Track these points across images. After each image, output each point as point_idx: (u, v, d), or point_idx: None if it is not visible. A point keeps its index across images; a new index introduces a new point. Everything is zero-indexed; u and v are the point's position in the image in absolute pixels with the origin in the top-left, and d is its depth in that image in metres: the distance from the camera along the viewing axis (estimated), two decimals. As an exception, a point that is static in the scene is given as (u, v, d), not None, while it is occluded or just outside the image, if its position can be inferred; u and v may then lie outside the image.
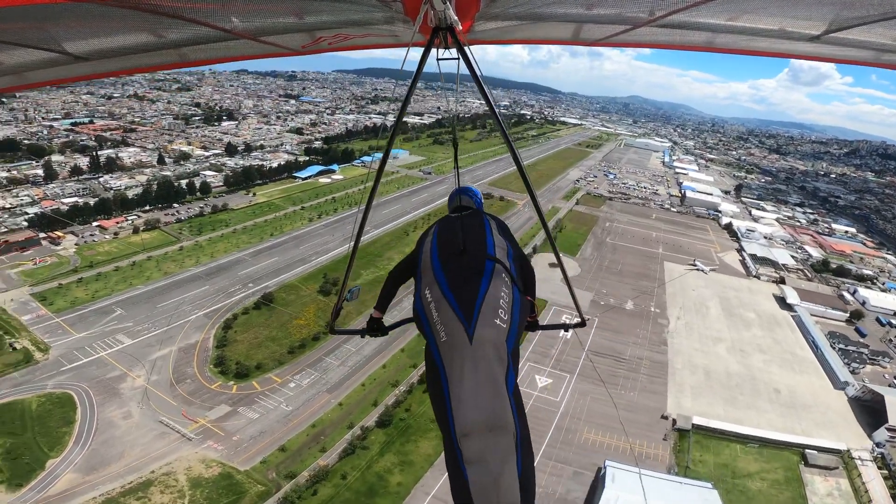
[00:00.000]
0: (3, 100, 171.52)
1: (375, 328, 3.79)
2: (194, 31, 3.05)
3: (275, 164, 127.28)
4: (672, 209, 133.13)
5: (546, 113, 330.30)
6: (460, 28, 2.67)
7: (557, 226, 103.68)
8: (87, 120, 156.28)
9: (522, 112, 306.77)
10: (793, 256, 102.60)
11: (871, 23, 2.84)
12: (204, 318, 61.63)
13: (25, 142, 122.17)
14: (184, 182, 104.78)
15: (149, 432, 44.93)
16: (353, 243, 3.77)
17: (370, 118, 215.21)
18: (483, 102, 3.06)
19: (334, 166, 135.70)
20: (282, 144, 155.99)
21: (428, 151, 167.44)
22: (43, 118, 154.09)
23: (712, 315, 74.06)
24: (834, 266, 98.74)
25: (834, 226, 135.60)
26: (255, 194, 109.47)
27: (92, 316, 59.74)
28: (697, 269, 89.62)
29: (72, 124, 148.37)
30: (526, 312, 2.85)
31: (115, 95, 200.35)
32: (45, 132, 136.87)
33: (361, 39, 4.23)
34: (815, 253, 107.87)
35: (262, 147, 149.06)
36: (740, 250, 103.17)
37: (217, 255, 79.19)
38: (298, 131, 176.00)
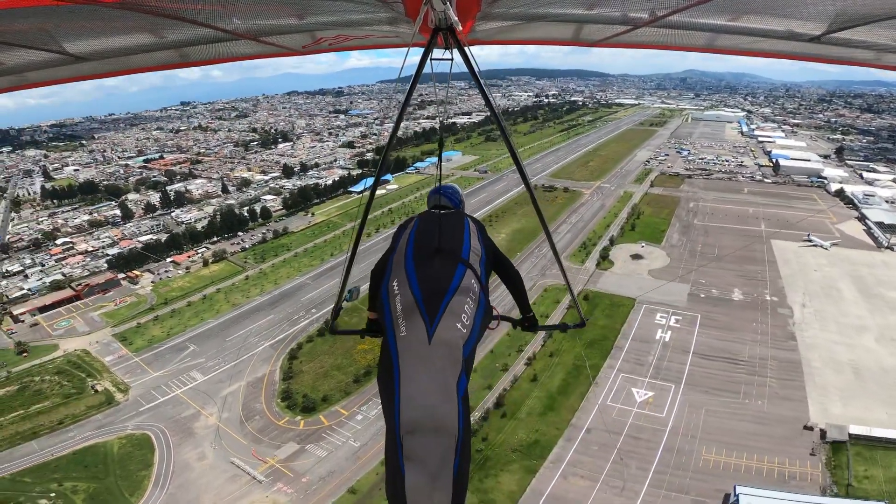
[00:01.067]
0: (84, 142, 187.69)
1: (375, 328, 3.76)
2: (195, 31, 3.01)
3: (330, 181, 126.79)
4: (766, 180, 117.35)
5: (598, 97, 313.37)
6: (460, 28, 2.61)
7: (634, 212, 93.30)
8: (157, 155, 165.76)
9: (573, 99, 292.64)
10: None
11: (871, 23, 2.84)
12: (270, 349, 60.32)
13: (104, 183, 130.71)
14: (246, 209, 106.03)
15: (221, 474, 42.81)
16: (352, 244, 3.71)
17: (419, 124, 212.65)
18: (483, 104, 3.28)
19: (388, 176, 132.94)
20: (335, 160, 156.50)
21: (481, 150, 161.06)
22: (119, 157, 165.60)
23: (847, 299, 61.36)
24: None
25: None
26: (313, 214, 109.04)
27: (168, 353, 60.16)
28: (815, 245, 76.08)
29: (144, 161, 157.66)
30: (487, 322, 2.84)
31: (181, 129, 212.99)
32: (122, 171, 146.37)
33: (362, 40, 4.24)
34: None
35: (316, 165, 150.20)
36: (862, 218, 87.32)
37: (280, 282, 78.12)
38: (350, 145, 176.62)
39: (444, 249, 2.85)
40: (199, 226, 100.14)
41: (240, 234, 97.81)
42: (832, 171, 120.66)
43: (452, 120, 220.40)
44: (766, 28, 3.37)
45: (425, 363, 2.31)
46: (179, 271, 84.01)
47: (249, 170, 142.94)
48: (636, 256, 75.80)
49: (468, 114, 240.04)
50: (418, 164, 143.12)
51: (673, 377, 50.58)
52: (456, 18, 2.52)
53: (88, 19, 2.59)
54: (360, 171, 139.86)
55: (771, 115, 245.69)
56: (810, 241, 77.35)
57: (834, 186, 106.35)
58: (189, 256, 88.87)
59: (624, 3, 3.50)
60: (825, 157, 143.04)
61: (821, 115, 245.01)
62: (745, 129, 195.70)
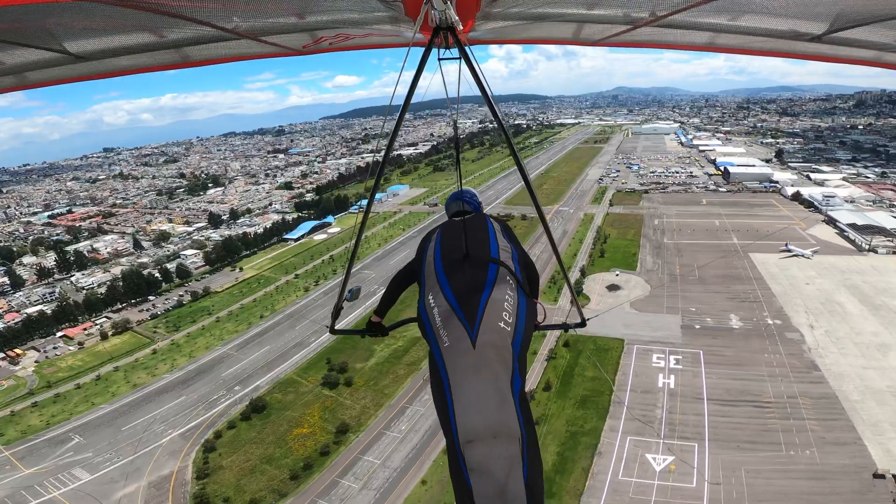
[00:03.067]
0: None
1: (376, 329, 3.73)
2: (195, 30, 2.98)
3: (262, 229, 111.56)
4: (720, 189, 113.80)
5: (541, 118, 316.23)
6: (461, 28, 2.59)
7: (599, 236, 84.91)
8: (65, 209, 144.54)
9: (517, 122, 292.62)
10: (894, 217, 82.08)
11: (872, 23, 2.81)
12: (180, 439, 48.31)
13: None
14: (160, 269, 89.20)
15: None
16: (353, 241, 3.58)
17: (362, 158, 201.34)
18: (485, 109, 3.48)
19: (329, 218, 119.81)
20: (270, 204, 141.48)
21: (429, 181, 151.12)
22: (22, 213, 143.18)
23: (853, 314, 53.96)
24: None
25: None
26: (241, 269, 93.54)
27: (45, 447, 49.59)
28: (796, 255, 69.77)
29: (49, 217, 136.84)
30: (533, 316, 2.67)
31: (100, 178, 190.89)
32: (22, 230, 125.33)
33: (362, 39, 4.18)
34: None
35: (249, 211, 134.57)
36: (830, 221, 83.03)
37: (197, 354, 63.35)
38: (288, 186, 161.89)
39: (472, 253, 2.73)
40: (102, 290, 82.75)
41: (150, 298, 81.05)
42: (781, 175, 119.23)
43: (398, 151, 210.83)
44: (767, 27, 3.30)
45: (474, 369, 2.17)
46: (71, 347, 69.31)
47: (171, 221, 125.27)
48: (613, 287, 66.43)
49: (414, 144, 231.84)
50: (363, 202, 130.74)
51: (692, 433, 40.56)
52: (457, 18, 2.48)
53: (89, 18, 2.53)
54: (297, 214, 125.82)
55: (701, 125, 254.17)
56: (789, 250, 71.14)
57: (789, 190, 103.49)
58: (85, 329, 73.64)
59: (624, 2, 3.38)
60: (767, 160, 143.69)
61: (745, 122, 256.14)
62: (683, 139, 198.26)
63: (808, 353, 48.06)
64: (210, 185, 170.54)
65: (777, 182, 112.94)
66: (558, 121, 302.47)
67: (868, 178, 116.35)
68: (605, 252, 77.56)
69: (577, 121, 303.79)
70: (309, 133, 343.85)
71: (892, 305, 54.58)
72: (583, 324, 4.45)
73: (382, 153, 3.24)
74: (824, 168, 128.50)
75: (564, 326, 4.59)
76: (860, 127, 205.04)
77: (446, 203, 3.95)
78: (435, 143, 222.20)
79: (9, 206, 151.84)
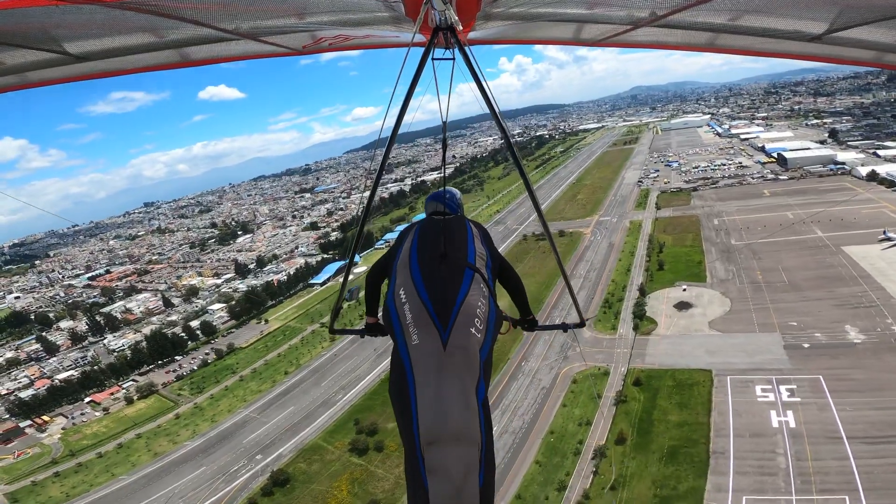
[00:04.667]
0: (37, 262, 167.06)
1: (375, 329, 3.66)
2: (195, 31, 3.00)
3: (286, 276, 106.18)
4: (780, 177, 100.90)
5: (562, 127, 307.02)
6: (461, 28, 2.58)
7: (653, 245, 74.22)
8: (104, 270, 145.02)
9: (539, 133, 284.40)
10: None
11: (872, 23, 2.78)
12: None
13: (37, 311, 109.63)
14: (184, 327, 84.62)
15: None
16: (353, 243, 3.55)
17: (386, 188, 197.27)
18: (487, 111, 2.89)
19: (355, 258, 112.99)
20: (296, 248, 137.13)
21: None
22: (66, 276, 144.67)
23: None
24: None
25: None
26: (266, 321, 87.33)
27: None
28: (901, 244, 57.40)
29: (89, 279, 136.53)
30: (499, 326, 2.66)
31: (139, 234, 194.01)
32: (63, 294, 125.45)
33: (362, 40, 4.15)
34: None
35: (275, 258, 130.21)
36: (928, 201, 69.71)
37: (219, 419, 57.85)
38: (314, 226, 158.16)
39: (450, 255, 2.62)
40: (132, 353, 78.69)
41: (177, 358, 75.87)
42: (844, 155, 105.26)
43: (421, 178, 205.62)
44: (768, 27, 3.25)
45: (441, 371, 2.12)
46: (98, 413, 65.99)
47: (200, 275, 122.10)
48: (683, 305, 55.83)
49: (437, 169, 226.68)
50: (388, 237, 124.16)
51: (838, 484, 30.77)
52: (456, 18, 2.47)
53: (89, 19, 2.50)
54: (322, 256, 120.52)
55: (733, 114, 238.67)
56: (890, 238, 58.70)
57: (862, 170, 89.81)
58: (111, 393, 69.84)
59: (624, 2, 3.36)
60: (821, 142, 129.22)
61: (779, 106, 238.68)
62: (719, 130, 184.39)
63: (973, 370, 36.38)
64: (240, 232, 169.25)
65: (844, 163, 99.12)
66: (580, 127, 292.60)
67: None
68: (663, 264, 66.92)
69: (600, 124, 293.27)
70: (334, 168, 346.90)
71: None
72: (582, 324, 4.26)
73: (383, 152, 3.18)
74: (889, 143, 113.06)
75: (563, 327, 4.27)
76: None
77: (426, 200, 3.66)
78: (457, 164, 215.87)
79: (53, 270, 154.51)
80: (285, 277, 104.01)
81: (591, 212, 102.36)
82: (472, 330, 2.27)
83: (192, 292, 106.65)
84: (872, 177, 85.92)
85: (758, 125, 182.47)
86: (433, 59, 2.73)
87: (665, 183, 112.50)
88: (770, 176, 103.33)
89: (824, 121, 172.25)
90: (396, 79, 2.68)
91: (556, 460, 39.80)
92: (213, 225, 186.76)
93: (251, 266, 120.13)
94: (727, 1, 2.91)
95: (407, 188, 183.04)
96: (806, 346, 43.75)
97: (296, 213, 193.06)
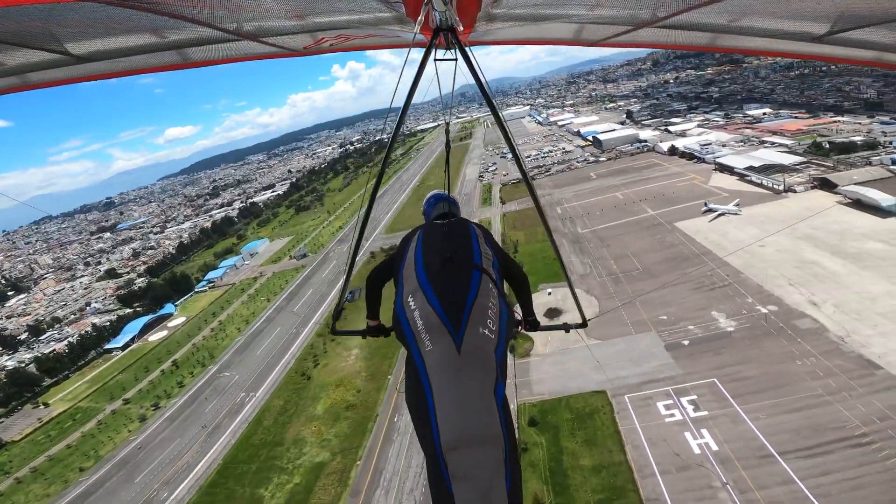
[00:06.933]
0: None
1: (376, 329, 3.62)
2: (196, 31, 2.92)
3: (67, 345, 76.72)
4: (600, 159, 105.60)
5: (400, 128, 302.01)
6: (461, 29, 2.56)
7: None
8: None
9: (378, 138, 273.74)
10: (782, 152, 77.79)
11: (875, 24, 2.76)
12: None
13: None
14: None
15: None
16: (354, 239, 3.48)
17: (211, 216, 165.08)
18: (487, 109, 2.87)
19: (168, 307, 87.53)
20: (88, 305, 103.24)
21: (293, 227, 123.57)
22: None
23: (840, 272, 42.39)
24: (827, 146, 74.27)
25: (751, 112, 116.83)
26: (46, 404, 62.74)
27: None
28: (723, 214, 59.30)
29: None
30: (512, 325, 2.57)
31: None
32: None
33: (363, 40, 4.07)
34: (784, 142, 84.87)
35: (58, 321, 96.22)
36: (724, 169, 76.04)
37: None
38: (112, 274, 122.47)
39: (456, 257, 2.56)
40: None
41: None
42: (644, 134, 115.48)
43: (252, 199, 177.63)
44: (769, 28, 3.21)
45: (457, 374, 2.07)
46: None
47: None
48: (553, 312, 48.99)
49: (270, 187, 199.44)
50: (212, 275, 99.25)
51: None
52: (457, 18, 2.45)
53: (90, 19, 2.41)
54: (123, 311, 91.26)
55: (547, 104, 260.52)
56: (713, 210, 60.60)
57: (663, 146, 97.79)
58: None
59: (626, 4, 3.25)
60: (622, 123, 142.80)
61: (580, 94, 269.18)
62: (539, 118, 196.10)
63: (843, 343, 34.47)
64: (10, 292, 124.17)
65: (646, 141, 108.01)
66: (418, 127, 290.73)
67: (717, 121, 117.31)
68: (522, 265, 60.27)
69: (436, 123, 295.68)
70: (146, 199, 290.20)
71: (868, 249, 44.55)
72: (584, 324, 4.21)
73: (384, 152, 3.14)
74: (675, 120, 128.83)
75: (565, 327, 4.27)
76: (671, 81, 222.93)
77: (426, 206, 3.61)
78: (293, 179, 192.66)
79: None
80: (67, 346, 75.32)
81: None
82: (485, 331, 2.20)
83: None
84: (673, 151, 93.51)
85: (569, 112, 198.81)
86: (435, 59, 2.72)
87: (504, 175, 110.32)
88: (591, 159, 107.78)
89: (618, 104, 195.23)
90: (397, 80, 2.70)
91: None
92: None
93: (22, 336, 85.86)
94: (730, 2, 2.86)
95: (234, 213, 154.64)
96: (685, 343, 39.36)
97: (90, 258, 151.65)
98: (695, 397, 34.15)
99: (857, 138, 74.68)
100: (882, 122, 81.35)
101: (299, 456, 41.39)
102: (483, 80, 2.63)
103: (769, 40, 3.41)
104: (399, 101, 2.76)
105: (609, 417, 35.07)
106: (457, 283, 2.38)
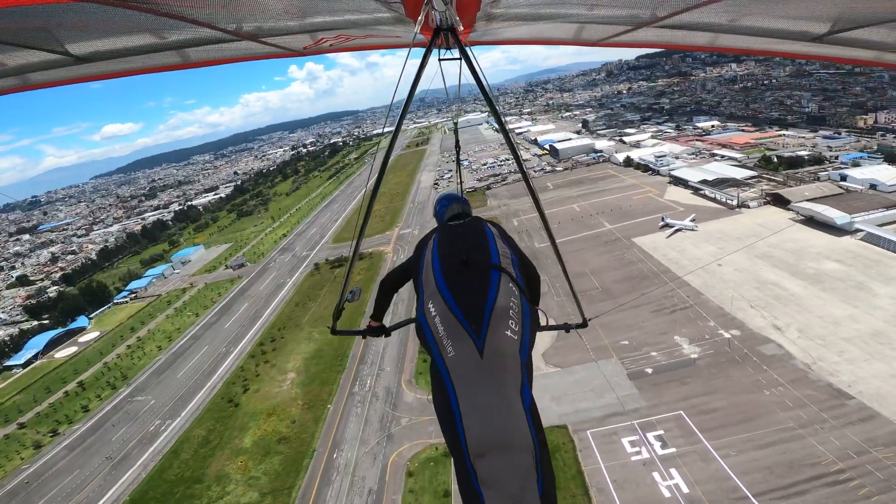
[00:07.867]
0: None
1: (377, 330, 3.61)
2: (196, 32, 2.93)
3: None
4: (557, 168, 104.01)
5: (356, 133, 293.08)
6: (461, 29, 2.56)
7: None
8: None
9: (332, 141, 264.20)
10: (733, 165, 78.23)
11: (874, 24, 2.75)
12: None
13: None
14: None
15: None
16: (354, 241, 3.48)
17: (143, 218, 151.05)
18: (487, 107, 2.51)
19: (81, 320, 77.11)
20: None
21: (233, 233, 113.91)
22: None
23: (801, 295, 40.79)
24: (776, 160, 75.39)
25: (700, 125, 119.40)
26: None
27: None
28: (679, 230, 57.67)
29: None
30: (536, 322, 2.53)
31: None
32: None
33: (363, 41, 4.09)
34: (734, 155, 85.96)
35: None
36: (678, 182, 75.48)
37: None
38: (24, 281, 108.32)
39: (473, 259, 2.47)
40: None
41: None
42: (599, 144, 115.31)
43: (192, 202, 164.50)
44: (769, 28, 3.20)
45: (482, 379, 2.00)
46: None
47: None
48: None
49: (213, 189, 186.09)
50: (135, 285, 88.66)
51: None
52: (457, 18, 2.46)
53: (91, 19, 2.40)
54: (28, 323, 79.78)
55: (504, 111, 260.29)
56: (670, 225, 58.96)
57: (619, 157, 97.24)
58: None
59: (626, 3, 3.25)
60: (577, 132, 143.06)
61: (537, 103, 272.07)
62: (496, 126, 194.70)
63: (811, 371, 32.34)
64: None
65: (602, 151, 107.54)
66: (374, 132, 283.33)
67: (670, 133, 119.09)
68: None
69: (392, 128, 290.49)
70: (75, 199, 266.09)
71: (826, 270, 43.44)
72: (584, 324, 4.21)
73: (384, 153, 3.09)
74: (629, 130, 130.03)
75: (566, 327, 4.28)
76: (624, 92, 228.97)
77: (438, 207, 3.51)
78: (238, 182, 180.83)
79: None
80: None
81: (390, 224, 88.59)
82: (508, 332, 2.12)
83: None
84: (628, 162, 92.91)
85: (526, 120, 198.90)
86: (440, 59, 2.75)
87: (460, 183, 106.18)
88: (548, 168, 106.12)
89: (574, 113, 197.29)
90: (398, 80, 2.69)
91: None
92: None
93: None
94: (730, 2, 2.87)
95: (169, 216, 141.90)
96: (649, 371, 36.25)
97: (4, 262, 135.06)
98: (661, 432, 30.96)
99: (804, 153, 76.37)
100: (825, 137, 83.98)
101: (222, 495, 35.55)
102: (484, 80, 2.61)
103: (769, 40, 3.38)
104: (399, 101, 2.77)
105: (571, 456, 31.42)
106: (475, 285, 2.27)
